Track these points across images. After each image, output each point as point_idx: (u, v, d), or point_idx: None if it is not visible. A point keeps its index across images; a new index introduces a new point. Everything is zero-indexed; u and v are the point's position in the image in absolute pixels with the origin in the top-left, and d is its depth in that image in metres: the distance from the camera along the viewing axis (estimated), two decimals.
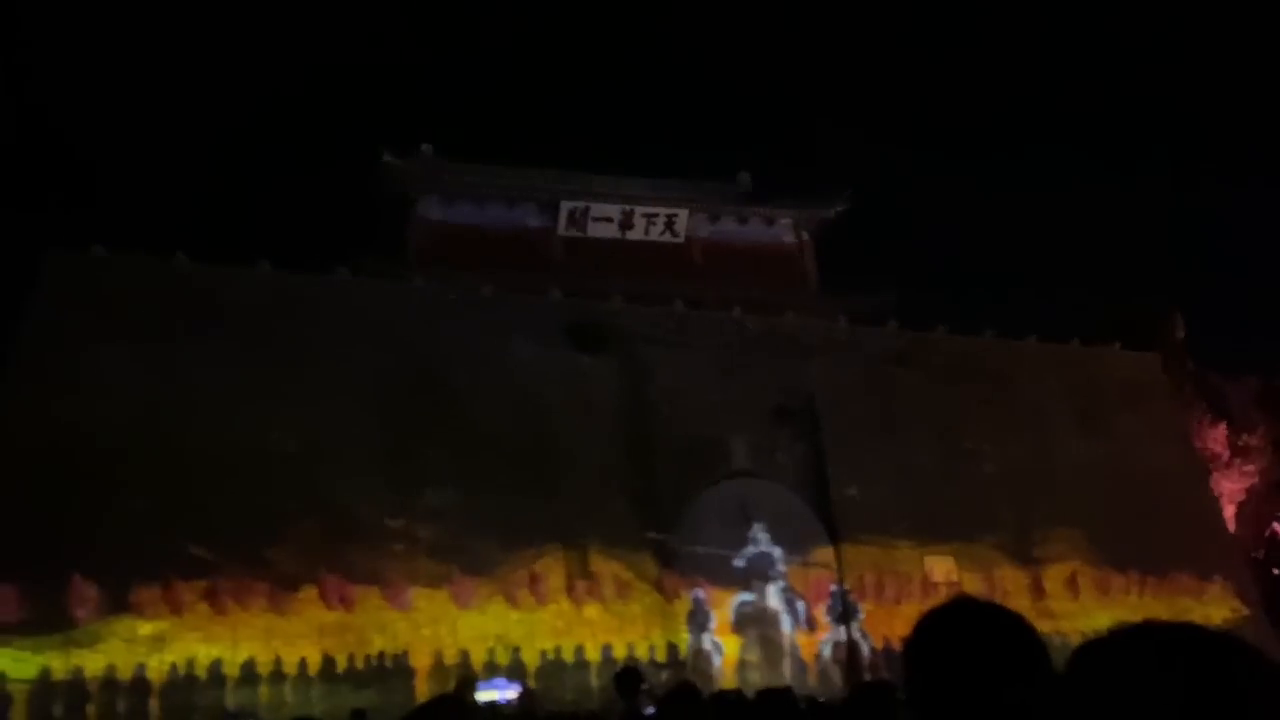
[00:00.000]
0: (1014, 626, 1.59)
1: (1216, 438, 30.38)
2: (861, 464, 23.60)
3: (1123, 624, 1.23)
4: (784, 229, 31.90)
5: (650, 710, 5.31)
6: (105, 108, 47.53)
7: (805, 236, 31.98)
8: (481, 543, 19.52)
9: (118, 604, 16.50)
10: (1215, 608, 24.97)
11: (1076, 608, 23.88)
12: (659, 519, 21.29)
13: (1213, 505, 28.04)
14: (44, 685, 15.71)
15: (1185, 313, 32.58)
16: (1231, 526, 28.75)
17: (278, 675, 17.23)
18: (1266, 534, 28.69)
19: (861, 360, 25.00)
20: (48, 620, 15.99)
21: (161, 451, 17.64)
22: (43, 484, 16.55)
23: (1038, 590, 23.81)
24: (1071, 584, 24.23)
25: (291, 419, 19.10)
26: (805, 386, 23.93)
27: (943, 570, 23.36)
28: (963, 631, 1.57)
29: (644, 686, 6.69)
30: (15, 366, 18.06)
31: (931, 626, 1.61)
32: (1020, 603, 23.19)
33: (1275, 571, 27.77)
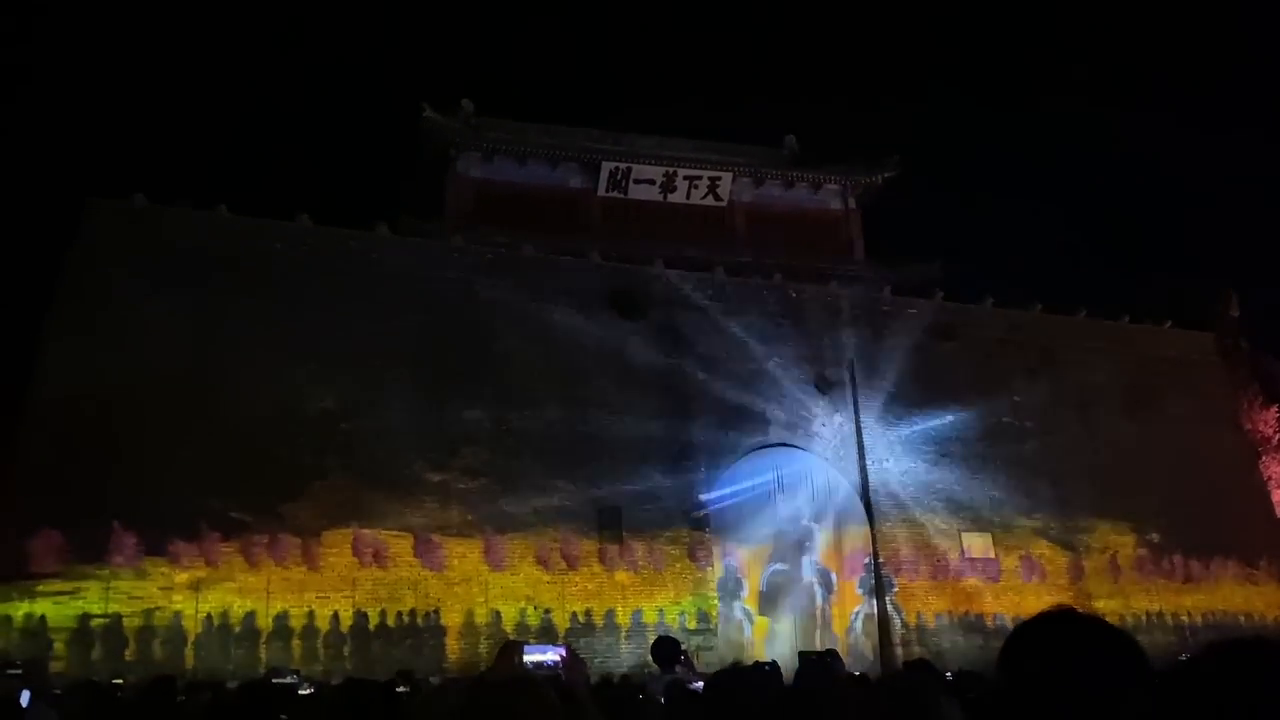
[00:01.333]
0: (1117, 638, 1.44)
1: (1267, 420, 29.60)
2: (900, 437, 23.27)
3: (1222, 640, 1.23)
4: (830, 195, 31.32)
5: (697, 684, 5.12)
6: (149, 61, 47.67)
7: (852, 204, 31.38)
8: (515, 504, 19.49)
9: (156, 553, 16.65)
10: (1260, 595, 24.46)
11: (1116, 589, 23.51)
12: (694, 486, 21.15)
13: (1261, 489, 27.40)
14: (83, 630, 15.94)
15: (1241, 293, 31.64)
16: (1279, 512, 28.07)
17: (310, 629, 17.35)
18: None
19: (905, 332, 24.56)
20: (87, 567, 16.19)
21: (201, 402, 17.70)
22: (83, 432, 16.69)
23: (1076, 571, 23.44)
24: (1112, 566, 23.82)
25: (328, 374, 19.11)
26: (846, 357, 23.57)
27: (980, 547, 23.07)
28: (1066, 639, 1.41)
29: (683, 656, 6.52)
30: (56, 313, 18.18)
31: (1033, 632, 1.46)
32: (1058, 583, 22.87)
33: None
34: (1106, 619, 1.55)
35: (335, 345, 19.35)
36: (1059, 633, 1.49)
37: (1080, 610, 1.58)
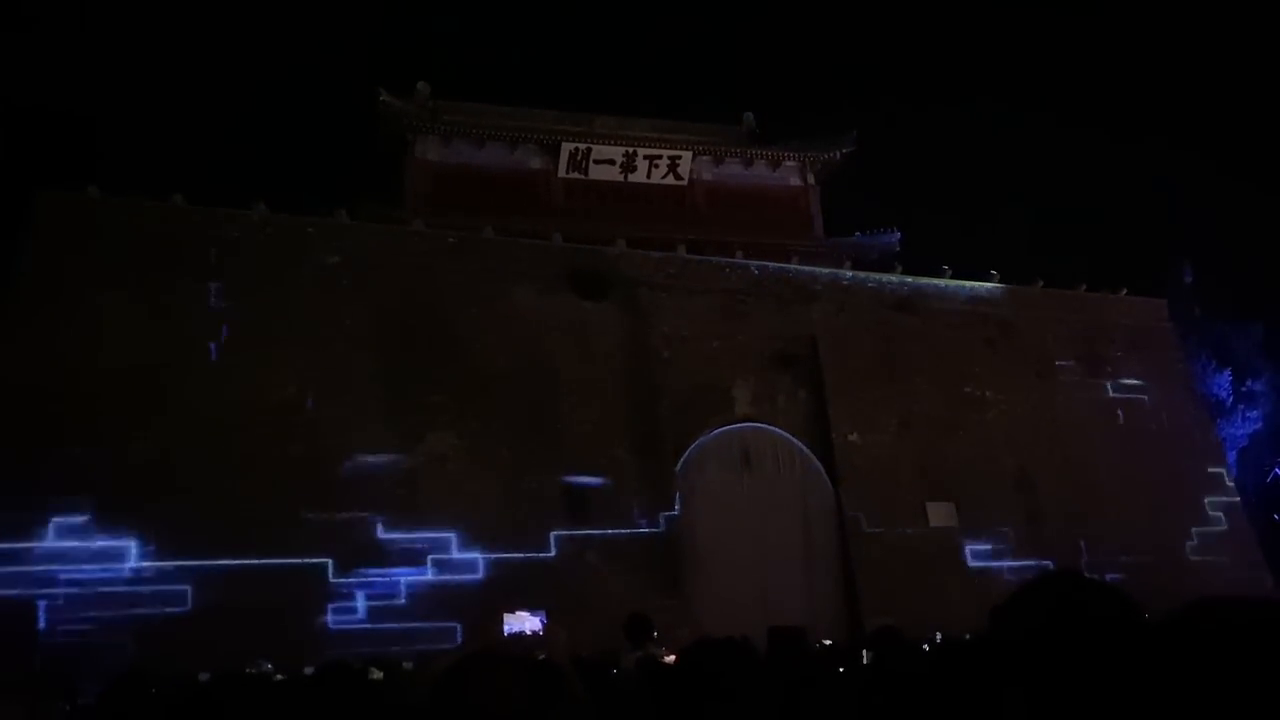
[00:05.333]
0: (1113, 598, 1.45)
1: (1221, 384, 30.30)
2: (863, 410, 23.50)
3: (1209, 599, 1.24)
4: (789, 171, 31.44)
5: (670, 659, 5.21)
6: (100, 51, 46.62)
7: (811, 179, 31.54)
8: (482, 489, 19.46)
9: None
10: (1215, 555, 25.01)
11: (1075, 551, 23.93)
12: (661, 465, 21.23)
13: (1215, 451, 28.01)
14: None
15: (1193, 260, 32.31)
16: (1233, 472, 28.75)
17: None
18: (1268, 480, 28.72)
19: (865, 306, 24.78)
20: None
21: (156, 395, 17.50)
22: (33, 425, 16.41)
23: (1038, 537, 23.83)
24: (1072, 529, 24.24)
25: (289, 363, 18.93)
26: (808, 332, 23.76)
27: (943, 515, 23.37)
28: (1062, 601, 1.42)
29: (655, 634, 6.61)
30: (8, 307, 17.83)
31: (1030, 595, 1.46)
32: (1022, 549, 23.27)
33: (1276, 517, 27.82)
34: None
35: (296, 333, 19.16)
36: (1056, 595, 1.49)
37: (1077, 573, 1.57)
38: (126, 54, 45.86)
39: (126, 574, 16.50)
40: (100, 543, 16.40)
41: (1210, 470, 26.86)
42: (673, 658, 4.75)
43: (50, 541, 16.14)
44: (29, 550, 15.97)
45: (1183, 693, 1.13)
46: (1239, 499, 26.95)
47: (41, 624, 15.63)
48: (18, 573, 15.81)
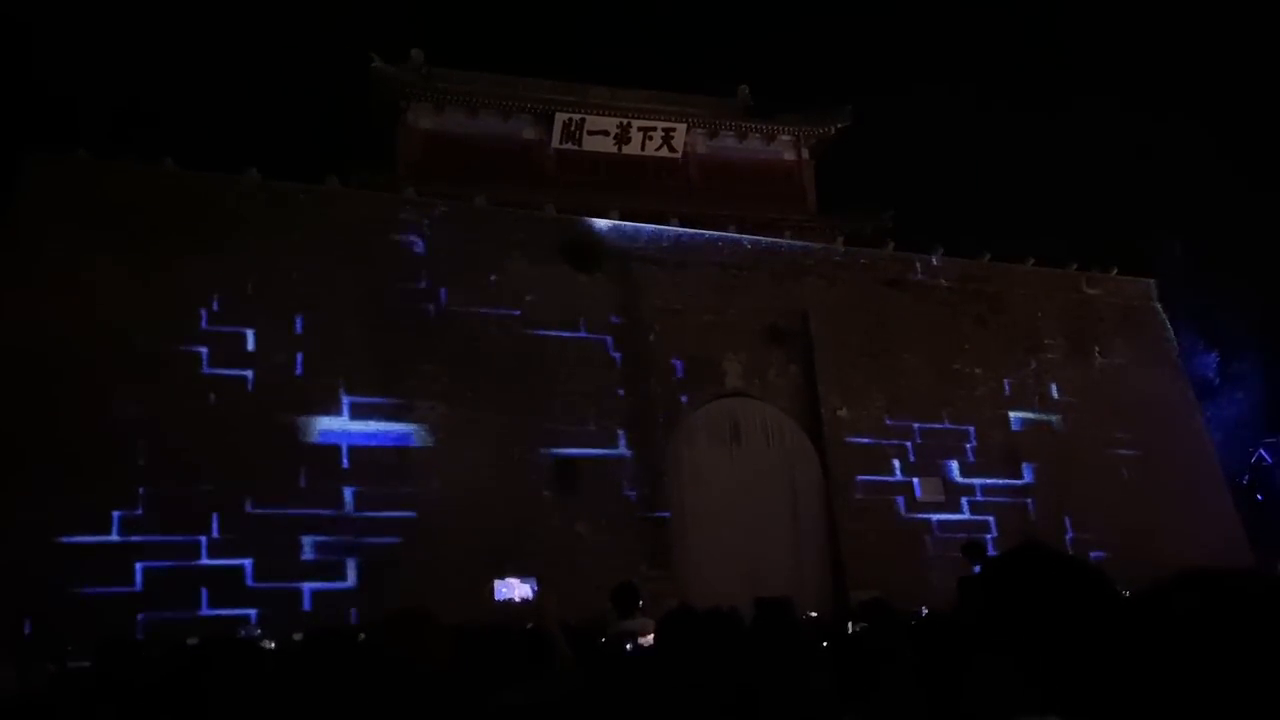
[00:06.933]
0: (1085, 572, 1.48)
1: (1208, 364, 30.47)
2: (854, 385, 23.58)
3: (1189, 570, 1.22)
4: (784, 145, 31.33)
5: (649, 637, 5.25)
6: (92, 13, 46.02)
7: (805, 154, 31.43)
8: (472, 459, 19.49)
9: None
10: (1199, 535, 25.24)
11: (1060, 528, 24.14)
12: (651, 436, 21.30)
13: (1202, 431, 28.21)
14: None
15: (1183, 239, 32.38)
16: (1219, 452, 28.97)
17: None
18: (1252, 460, 28.96)
19: (857, 281, 24.80)
20: None
21: (143, 362, 17.43)
22: (17, 392, 16.35)
23: (1024, 515, 24.03)
24: (1058, 506, 24.44)
25: (279, 332, 18.87)
26: (800, 307, 23.77)
27: (931, 490, 23.53)
28: (1033, 574, 1.45)
29: (642, 604, 6.67)
30: None
31: (1001, 568, 1.49)
32: (1008, 527, 23.47)
33: (1259, 497, 28.09)
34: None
35: (286, 301, 19.08)
36: (1026, 568, 1.50)
37: (1047, 546, 1.58)
38: (117, 18, 45.29)
39: (115, 538, 16.53)
40: (89, 507, 16.39)
41: (1196, 450, 27.07)
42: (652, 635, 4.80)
43: (38, 507, 16.11)
44: (25, 517, 15.94)
45: (1159, 664, 1.14)
46: (1224, 479, 27.17)
47: (31, 588, 15.63)
48: (8, 539, 15.81)
